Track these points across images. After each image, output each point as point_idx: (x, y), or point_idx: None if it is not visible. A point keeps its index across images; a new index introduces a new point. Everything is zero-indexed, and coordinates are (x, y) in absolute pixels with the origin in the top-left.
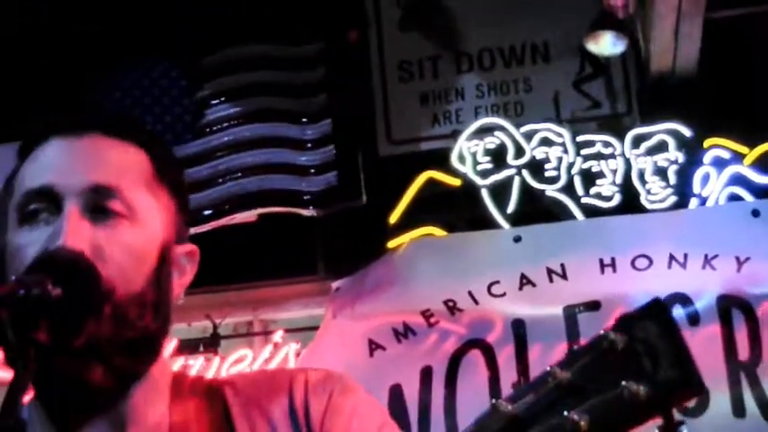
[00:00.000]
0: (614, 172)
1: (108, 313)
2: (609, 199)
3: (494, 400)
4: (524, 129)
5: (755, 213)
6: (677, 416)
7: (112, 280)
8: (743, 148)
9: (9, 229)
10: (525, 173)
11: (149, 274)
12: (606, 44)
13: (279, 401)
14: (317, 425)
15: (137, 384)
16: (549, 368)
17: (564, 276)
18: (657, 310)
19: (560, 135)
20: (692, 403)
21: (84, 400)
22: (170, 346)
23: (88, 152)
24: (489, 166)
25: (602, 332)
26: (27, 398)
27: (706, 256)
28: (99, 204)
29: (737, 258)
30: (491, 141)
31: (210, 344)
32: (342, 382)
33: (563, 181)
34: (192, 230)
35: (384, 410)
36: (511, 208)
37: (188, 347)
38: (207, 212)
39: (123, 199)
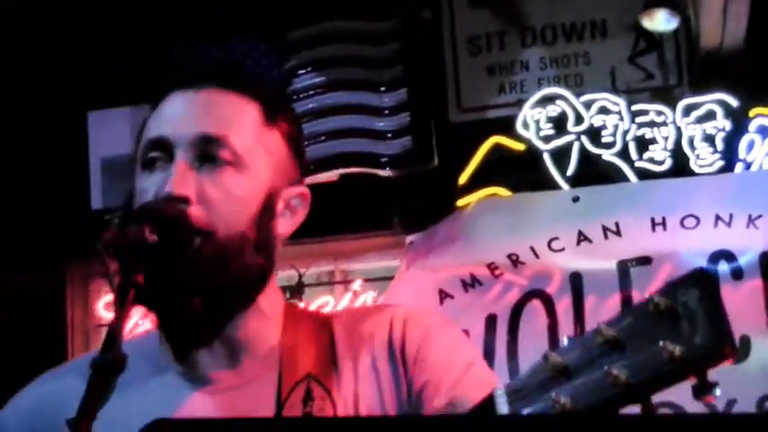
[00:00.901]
0: (666, 138)
1: (208, 253)
2: (660, 163)
3: (547, 350)
4: (583, 98)
5: None
6: (711, 377)
7: (214, 223)
8: None
9: (137, 173)
10: (584, 139)
11: (252, 217)
12: (660, 21)
13: (379, 334)
14: (411, 357)
15: (245, 314)
16: (598, 325)
17: (618, 233)
18: (702, 277)
19: (616, 104)
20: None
21: (191, 330)
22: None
23: (201, 105)
24: (551, 132)
25: (648, 296)
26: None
27: (750, 216)
28: (207, 153)
29: None
30: (553, 110)
31: (296, 291)
32: (438, 320)
33: (618, 146)
34: None
35: (477, 350)
36: (570, 171)
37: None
38: None
39: (230, 148)
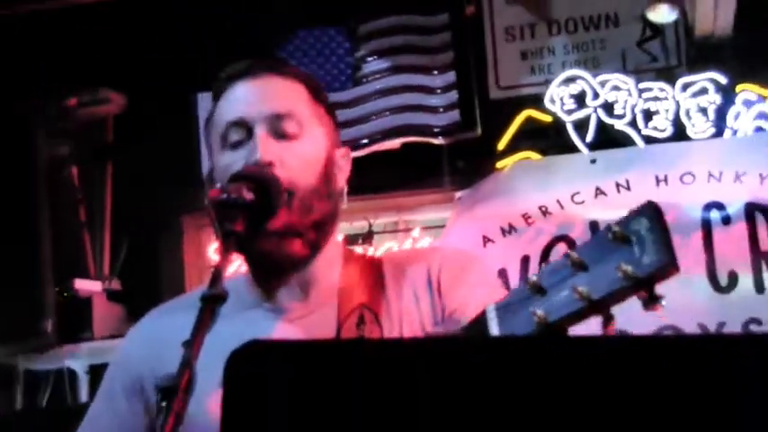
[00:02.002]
0: (667, 111)
1: (296, 204)
2: (663, 131)
3: (528, 275)
4: (599, 78)
5: None
6: (658, 291)
7: (295, 181)
8: (766, 92)
9: (215, 153)
10: (600, 111)
11: (321, 173)
12: (662, 13)
13: (420, 270)
14: (444, 287)
15: (317, 254)
16: (568, 252)
17: (628, 188)
18: (650, 209)
19: (626, 83)
20: (724, 282)
21: (281, 268)
22: (339, 236)
23: (265, 89)
24: (573, 106)
25: (607, 225)
26: (242, 271)
27: (736, 173)
28: (279, 127)
29: (760, 175)
30: (574, 88)
31: (367, 238)
32: (468, 258)
33: (628, 117)
34: (354, 155)
35: (497, 282)
36: (589, 138)
37: (351, 241)
38: (364, 141)
39: (295, 121)
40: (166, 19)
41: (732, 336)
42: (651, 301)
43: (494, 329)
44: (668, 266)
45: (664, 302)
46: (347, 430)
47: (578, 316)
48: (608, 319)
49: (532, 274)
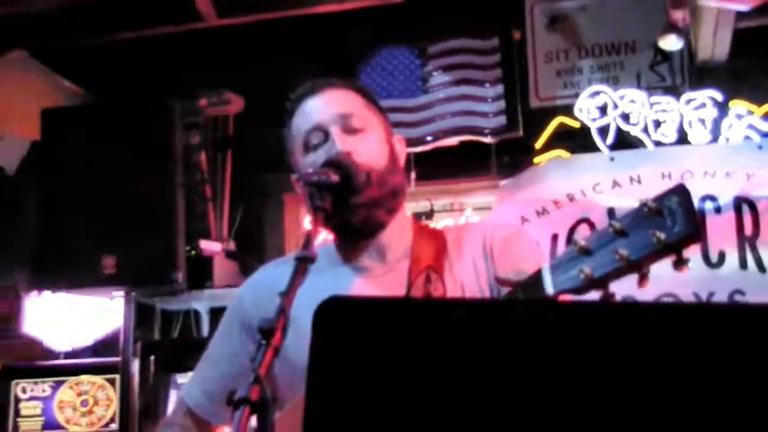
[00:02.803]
0: (673, 121)
1: (375, 181)
2: (669, 137)
3: (576, 241)
4: (618, 93)
5: (760, 147)
6: (685, 255)
7: (369, 164)
8: (754, 107)
9: (298, 159)
10: (618, 120)
11: (388, 155)
12: (671, 42)
13: (476, 239)
14: (497, 254)
15: (391, 222)
16: (612, 221)
17: (639, 182)
18: (681, 190)
19: (640, 97)
20: (715, 259)
21: (366, 233)
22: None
23: (330, 98)
24: (597, 115)
25: (643, 201)
26: (326, 239)
27: (727, 172)
28: (348, 125)
29: (747, 174)
30: (598, 100)
31: (429, 216)
32: (515, 230)
33: (641, 125)
34: (419, 149)
35: (540, 251)
36: (609, 141)
37: (416, 217)
38: (429, 138)
39: (358, 118)
40: (278, 40)
41: (722, 305)
42: (679, 263)
43: (547, 284)
44: (694, 235)
45: (690, 265)
46: (414, 378)
47: (618, 273)
48: (643, 277)
49: (581, 239)
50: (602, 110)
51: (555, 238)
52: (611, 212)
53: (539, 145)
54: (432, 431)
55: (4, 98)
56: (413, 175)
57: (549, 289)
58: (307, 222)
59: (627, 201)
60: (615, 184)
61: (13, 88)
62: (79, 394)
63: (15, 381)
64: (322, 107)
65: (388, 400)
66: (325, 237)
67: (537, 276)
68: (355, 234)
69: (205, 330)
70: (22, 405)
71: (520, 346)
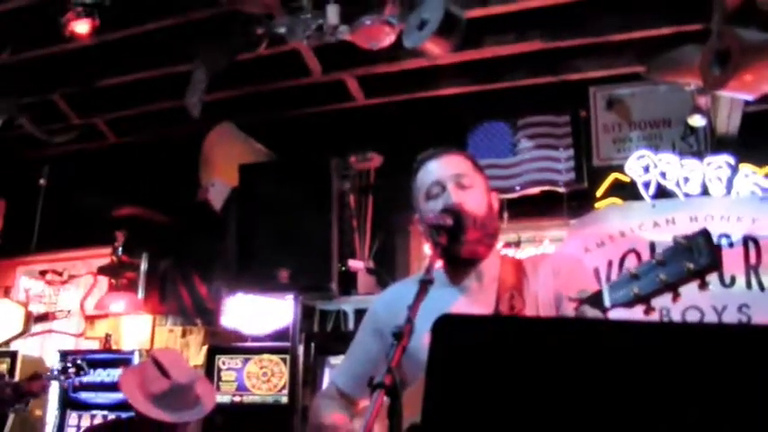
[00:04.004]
0: (698, 178)
1: (479, 225)
2: (695, 190)
3: (628, 267)
4: (658, 156)
5: (762, 199)
6: (707, 279)
7: (475, 213)
8: (758, 169)
9: (420, 205)
10: (658, 176)
11: (487, 206)
12: (697, 120)
13: (548, 266)
14: (563, 279)
15: (488, 256)
16: (655, 254)
17: (673, 223)
18: (704, 232)
19: (674, 160)
20: (728, 281)
21: (467, 263)
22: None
23: (448, 161)
24: (642, 173)
25: (677, 238)
26: (438, 266)
27: (738, 217)
28: (460, 182)
29: (753, 218)
30: (643, 162)
31: (517, 245)
32: (577, 260)
33: (674, 181)
34: (510, 196)
35: (594, 278)
36: (651, 192)
37: (507, 245)
38: (517, 188)
39: (468, 178)
40: (410, 113)
41: (737, 325)
42: (703, 285)
43: (606, 299)
44: (714, 266)
45: (712, 287)
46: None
47: (658, 292)
48: (676, 295)
49: (632, 267)
50: (646, 169)
51: (610, 263)
52: (652, 245)
53: (599, 194)
54: (520, 421)
55: (216, 156)
56: (505, 215)
57: (608, 303)
58: (426, 249)
59: (664, 237)
60: (655, 224)
61: (221, 149)
62: (261, 368)
63: (218, 356)
64: (442, 167)
65: (486, 392)
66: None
67: (599, 293)
68: (461, 263)
69: (351, 325)
70: (222, 373)
71: (587, 352)
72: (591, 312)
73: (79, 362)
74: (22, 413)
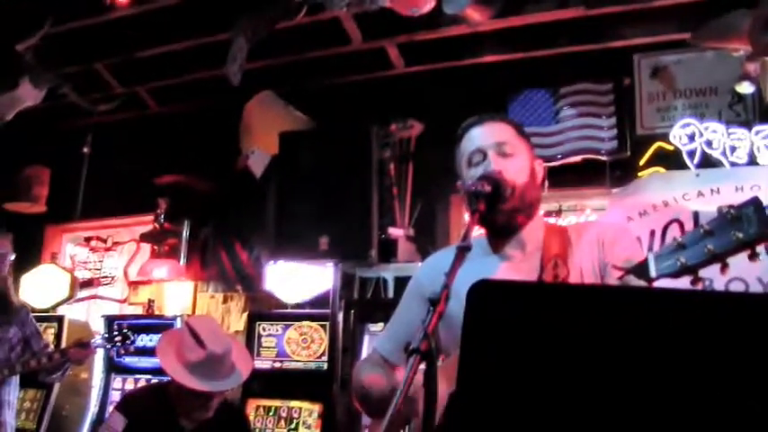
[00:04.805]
0: (745, 147)
1: (517, 194)
2: (741, 159)
3: (675, 237)
4: (704, 125)
5: None
6: (757, 249)
7: (514, 181)
8: None
9: (463, 171)
10: (703, 145)
11: (529, 174)
12: (745, 87)
13: (592, 234)
14: (607, 247)
15: (529, 223)
16: (702, 224)
17: (718, 193)
18: (756, 201)
19: (720, 128)
20: None
21: (508, 231)
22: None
23: (490, 129)
24: (687, 141)
25: (724, 207)
26: (477, 233)
27: None
28: (501, 150)
29: None
30: (688, 130)
31: (558, 214)
32: (623, 228)
33: (720, 149)
34: (552, 164)
35: (640, 247)
36: (695, 161)
37: (547, 214)
38: (559, 156)
39: (510, 145)
40: (449, 82)
41: None
42: (753, 256)
43: (652, 269)
44: (765, 236)
45: (761, 258)
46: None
47: (706, 263)
48: (724, 266)
49: (680, 237)
50: (691, 137)
51: (652, 233)
52: (695, 215)
53: (642, 163)
54: (557, 390)
55: (256, 124)
56: (546, 183)
57: (653, 273)
58: (466, 217)
59: (708, 207)
60: (699, 194)
61: (261, 117)
62: (301, 334)
63: (258, 322)
64: (484, 134)
65: (521, 357)
66: (479, 232)
67: (644, 263)
68: (500, 231)
69: (390, 293)
70: (262, 339)
71: (623, 321)
72: (635, 282)
73: (125, 330)
74: (68, 377)
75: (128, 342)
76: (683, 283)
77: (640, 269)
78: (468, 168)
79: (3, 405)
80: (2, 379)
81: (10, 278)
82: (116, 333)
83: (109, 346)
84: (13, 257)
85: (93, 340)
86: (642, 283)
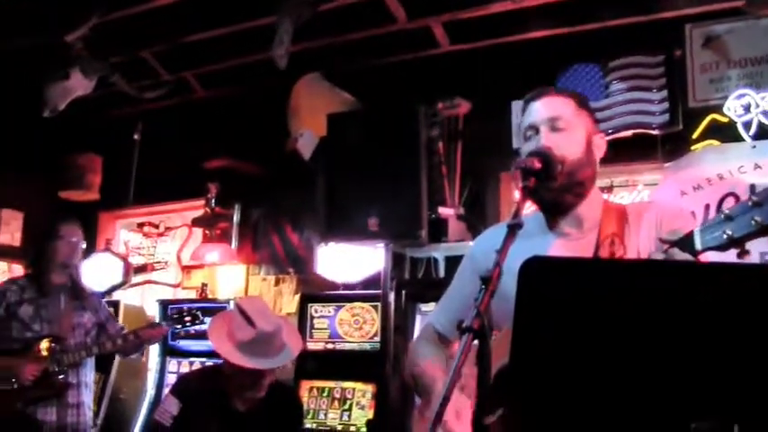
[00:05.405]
0: None
1: (566, 171)
2: None
3: (722, 209)
4: (759, 95)
5: None
6: None
7: (564, 158)
8: None
9: (521, 143)
10: (759, 116)
11: (582, 151)
12: None
13: (651, 214)
14: (664, 226)
15: (582, 201)
16: (751, 195)
17: None
18: None
19: None
20: None
21: (556, 208)
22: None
23: (546, 104)
24: (742, 112)
25: None
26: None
27: None
28: (555, 126)
29: None
30: (743, 101)
31: (609, 190)
32: (679, 208)
33: None
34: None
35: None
36: (751, 132)
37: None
38: (609, 131)
39: (563, 120)
40: (496, 58)
41: None
42: None
43: (698, 242)
44: None
45: None
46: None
47: (753, 235)
48: None
49: (726, 209)
50: (747, 108)
51: (707, 207)
52: (752, 188)
53: (695, 136)
54: (608, 365)
55: (303, 106)
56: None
57: (699, 246)
58: (516, 195)
59: (765, 179)
60: (756, 166)
61: (308, 99)
62: (353, 315)
63: (310, 303)
64: (540, 109)
65: (572, 333)
66: (534, 208)
67: (690, 236)
68: (550, 208)
69: (441, 272)
70: (314, 321)
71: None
72: (680, 256)
73: (195, 311)
74: (125, 361)
75: (197, 322)
76: (731, 256)
77: (686, 242)
78: (523, 143)
79: (81, 386)
80: (80, 361)
81: (81, 266)
82: (186, 314)
83: (179, 327)
84: (84, 245)
85: (164, 322)
86: (687, 256)
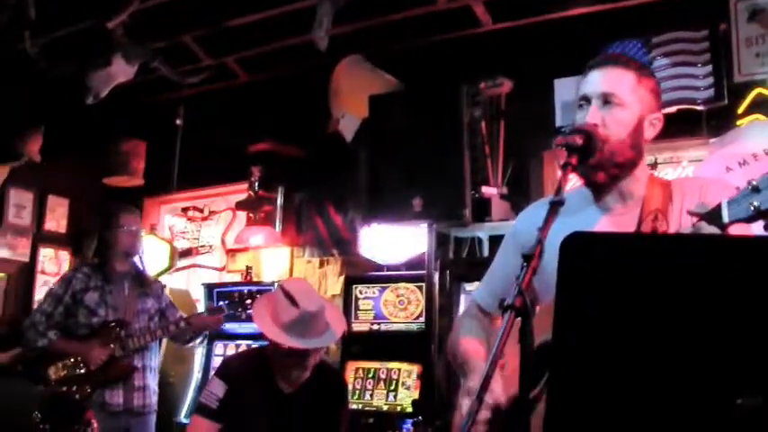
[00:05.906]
0: None
1: (606, 150)
2: None
3: (750, 181)
4: None
5: None
6: None
7: (609, 136)
8: None
9: (576, 111)
10: None
11: (630, 131)
12: None
13: (695, 189)
14: (708, 201)
15: (628, 178)
16: (752, 179)
17: None
18: None
19: None
20: None
21: (609, 184)
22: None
23: (603, 75)
24: None
25: None
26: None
27: None
28: (606, 100)
29: None
30: None
31: (653, 167)
32: (723, 183)
33: None
34: None
35: None
36: None
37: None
38: None
39: (617, 97)
40: (538, 36)
41: None
42: None
43: (725, 214)
44: None
45: None
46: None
47: (752, 219)
48: None
49: (753, 180)
50: None
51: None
52: None
53: (740, 111)
54: (651, 340)
55: (345, 88)
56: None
57: (726, 218)
58: (559, 173)
59: None
60: None
61: (350, 81)
62: (398, 296)
63: (355, 285)
64: (596, 81)
65: (614, 308)
66: (579, 183)
67: (717, 208)
68: (590, 184)
69: (485, 252)
70: (359, 302)
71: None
72: (707, 229)
73: (254, 293)
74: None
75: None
76: (758, 228)
77: (713, 215)
78: (578, 111)
79: (146, 369)
80: (144, 345)
81: (143, 254)
82: (246, 297)
83: (239, 310)
84: (144, 234)
85: (224, 306)
86: (714, 229)
